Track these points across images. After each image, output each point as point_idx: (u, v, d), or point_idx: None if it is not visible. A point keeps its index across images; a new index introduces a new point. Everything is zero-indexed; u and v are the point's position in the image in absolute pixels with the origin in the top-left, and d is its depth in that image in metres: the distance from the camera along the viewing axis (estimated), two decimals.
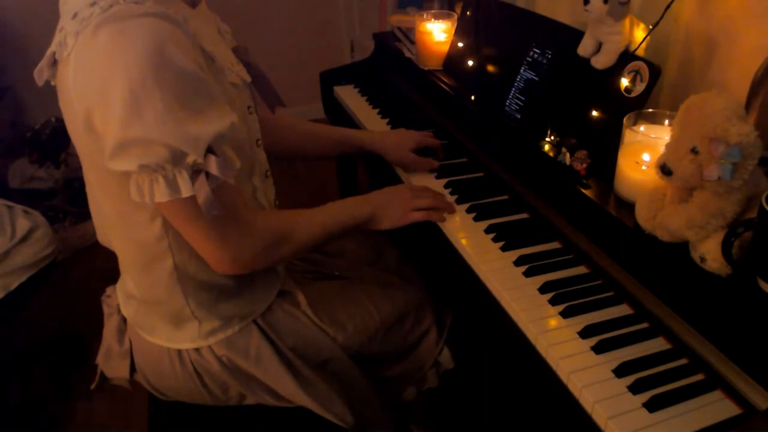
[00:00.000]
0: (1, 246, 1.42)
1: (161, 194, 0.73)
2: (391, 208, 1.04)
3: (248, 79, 0.91)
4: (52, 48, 0.77)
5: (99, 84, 0.70)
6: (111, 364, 1.05)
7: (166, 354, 0.96)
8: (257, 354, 0.96)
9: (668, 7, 0.96)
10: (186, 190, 0.73)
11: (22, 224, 1.49)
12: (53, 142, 2.57)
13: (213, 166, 0.74)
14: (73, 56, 0.72)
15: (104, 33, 0.69)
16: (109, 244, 0.97)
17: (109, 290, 1.08)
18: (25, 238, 1.47)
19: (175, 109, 0.70)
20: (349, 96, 1.66)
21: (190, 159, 0.72)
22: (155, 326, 0.96)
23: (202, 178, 0.74)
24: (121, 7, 0.70)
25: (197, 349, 0.95)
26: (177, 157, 0.71)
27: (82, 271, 2.24)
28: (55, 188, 2.53)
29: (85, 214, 2.45)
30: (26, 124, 2.74)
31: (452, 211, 1.08)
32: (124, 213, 0.85)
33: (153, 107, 0.69)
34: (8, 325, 1.58)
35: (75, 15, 0.72)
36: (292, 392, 0.98)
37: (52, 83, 0.83)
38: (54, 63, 0.79)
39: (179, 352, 0.96)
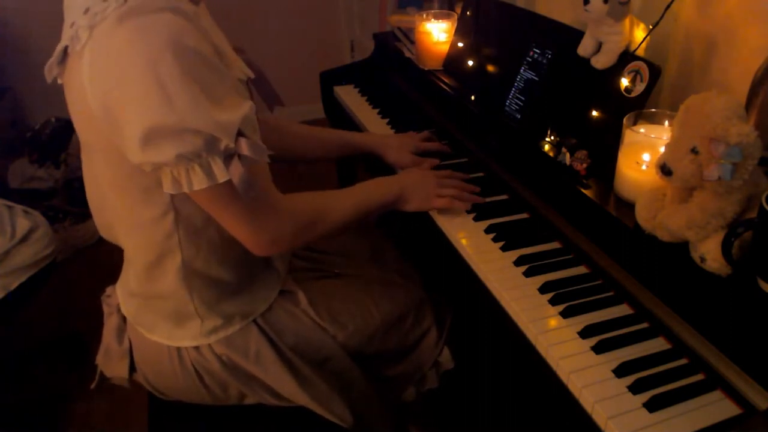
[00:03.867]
0: (1, 246, 1.42)
1: (199, 182, 0.74)
2: (417, 190, 1.07)
3: (251, 75, 0.91)
4: (64, 42, 0.77)
5: (120, 76, 0.71)
6: (110, 363, 1.05)
7: (165, 352, 0.96)
8: (257, 353, 0.97)
9: (668, 7, 0.96)
10: (222, 175, 0.74)
11: (22, 224, 1.49)
12: (53, 142, 2.57)
13: (245, 147, 0.76)
14: (87, 49, 0.73)
15: (124, 27, 0.70)
16: (114, 239, 0.98)
17: (109, 290, 1.08)
18: (25, 238, 1.47)
19: (203, 97, 0.72)
20: (349, 96, 1.66)
21: (222, 144, 0.74)
22: (156, 324, 0.96)
23: (236, 161, 0.76)
24: (137, 1, 0.71)
25: (197, 348, 0.95)
26: (211, 144, 0.73)
27: (82, 271, 2.24)
28: (55, 188, 2.53)
29: (85, 214, 2.45)
30: (26, 124, 2.74)
31: (477, 201, 1.09)
32: (134, 209, 0.85)
33: (183, 96, 0.70)
34: (8, 325, 1.58)
35: (87, 10, 0.73)
36: (291, 391, 0.98)
37: (59, 81, 0.83)
38: (63, 59, 0.80)
39: (179, 350, 0.96)
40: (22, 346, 1.90)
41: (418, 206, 1.07)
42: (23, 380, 1.81)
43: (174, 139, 0.71)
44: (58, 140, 2.57)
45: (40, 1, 2.61)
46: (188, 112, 0.71)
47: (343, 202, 0.99)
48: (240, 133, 0.76)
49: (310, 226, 0.92)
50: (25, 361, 1.86)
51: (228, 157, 0.75)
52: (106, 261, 2.23)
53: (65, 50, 0.78)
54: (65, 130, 2.60)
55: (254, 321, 0.98)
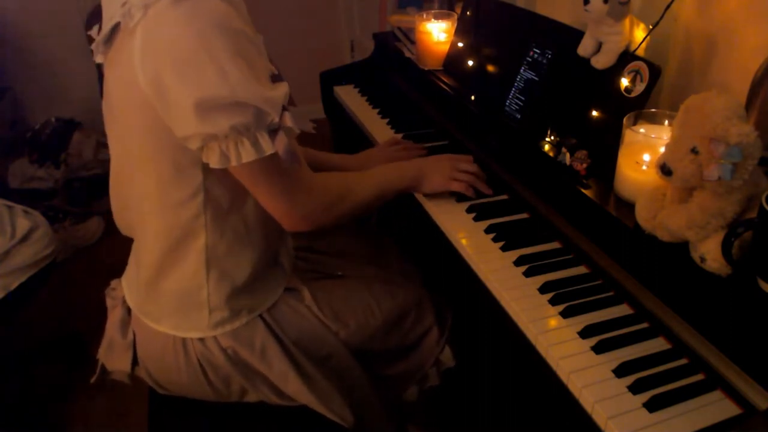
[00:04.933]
0: (1, 246, 1.42)
1: (248, 155, 0.79)
2: (434, 172, 1.12)
3: (275, 71, 0.93)
4: (115, 20, 0.80)
5: (175, 53, 0.75)
6: (113, 356, 1.05)
7: (171, 344, 0.97)
8: (262, 347, 0.97)
9: (668, 7, 0.96)
10: (268, 148, 0.79)
11: (22, 224, 1.49)
12: (53, 142, 2.57)
13: (288, 120, 0.81)
14: (140, 27, 0.76)
15: (179, 9, 0.74)
16: (129, 229, 0.99)
17: (113, 283, 1.08)
18: (25, 238, 1.47)
19: (252, 74, 0.77)
20: (349, 96, 1.66)
21: (269, 118, 0.79)
22: (162, 315, 0.96)
23: (281, 134, 0.81)
24: None
25: (202, 340, 0.96)
26: (259, 118, 0.78)
27: (82, 271, 2.24)
28: (55, 188, 2.53)
29: (85, 214, 2.45)
30: (26, 124, 2.74)
31: (489, 192, 1.13)
32: (165, 190, 0.87)
33: (235, 71, 0.75)
34: (8, 325, 1.58)
35: None
36: (294, 388, 0.99)
37: (99, 60, 0.87)
38: (109, 39, 0.83)
39: (184, 342, 0.96)
40: (22, 346, 1.90)
41: (433, 187, 1.11)
42: (23, 380, 1.81)
43: (228, 111, 0.76)
44: (58, 140, 2.57)
45: (40, 1, 2.61)
46: (241, 86, 0.75)
47: (366, 182, 1.05)
48: (283, 108, 0.80)
49: (337, 203, 0.97)
50: (25, 361, 1.86)
51: (272, 131, 0.80)
52: (107, 261, 2.24)
53: (114, 28, 0.81)
54: (65, 130, 2.60)
55: (260, 316, 0.98)
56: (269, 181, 0.86)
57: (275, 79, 0.95)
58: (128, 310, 1.03)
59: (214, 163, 0.80)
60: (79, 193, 2.53)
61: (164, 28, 0.75)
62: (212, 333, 0.95)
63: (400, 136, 1.38)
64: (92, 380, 1.08)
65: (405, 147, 1.28)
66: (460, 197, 1.12)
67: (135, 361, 1.04)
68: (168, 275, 0.94)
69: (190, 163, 0.83)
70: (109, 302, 1.07)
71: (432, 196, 1.12)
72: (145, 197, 0.91)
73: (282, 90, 0.81)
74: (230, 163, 0.79)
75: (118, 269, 1.05)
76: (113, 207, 1.00)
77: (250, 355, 0.96)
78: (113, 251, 0.95)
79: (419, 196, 1.14)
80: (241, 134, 0.77)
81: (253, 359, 0.97)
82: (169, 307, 0.96)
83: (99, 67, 0.90)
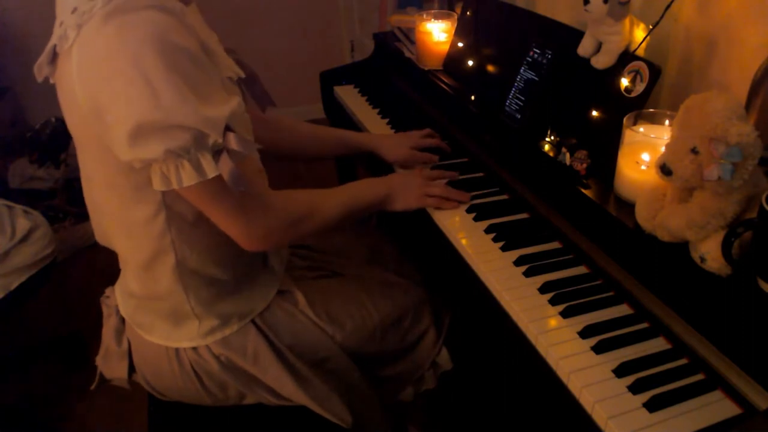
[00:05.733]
0: (1, 246, 1.42)
1: (189, 178, 0.74)
2: (405, 190, 1.08)
3: (242, 74, 0.92)
4: (53, 42, 0.77)
5: (107, 74, 0.71)
6: (110, 364, 1.05)
7: (164, 354, 0.96)
8: (254, 352, 0.97)
9: (668, 7, 0.96)
10: (211, 171, 0.75)
11: (22, 224, 1.49)
12: (53, 142, 2.57)
13: (233, 142, 0.76)
14: (75, 48, 0.73)
15: (110, 25, 0.70)
16: (108, 243, 0.98)
17: (108, 291, 1.08)
18: (25, 238, 1.47)
19: (189, 93, 0.72)
20: (349, 96, 1.66)
21: (211, 140, 0.74)
22: (154, 325, 0.96)
23: (224, 156, 0.76)
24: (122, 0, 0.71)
25: (195, 349, 0.95)
26: (199, 140, 0.73)
27: (82, 271, 2.24)
28: (55, 188, 2.53)
29: (85, 214, 2.44)
30: (26, 124, 2.75)
31: (465, 199, 1.10)
32: (127, 209, 0.85)
33: (169, 92, 0.71)
34: (8, 324, 1.58)
35: (74, 9, 0.73)
36: (290, 391, 0.98)
37: (51, 81, 0.83)
38: (53, 59, 0.80)
39: (177, 351, 0.96)
40: (21, 346, 1.90)
41: (404, 206, 1.08)
42: (23, 380, 1.81)
43: (162, 135, 0.72)
44: (58, 140, 2.57)
45: (40, 1, 2.61)
46: (175, 108, 0.71)
47: (333, 200, 1.00)
48: (228, 128, 0.76)
49: (300, 222, 0.93)
50: (25, 361, 1.86)
51: (217, 152, 0.76)
52: (106, 261, 2.22)
53: (54, 49, 0.78)
54: (65, 130, 2.58)
55: (252, 321, 0.98)
56: (219, 204, 0.81)
57: (247, 82, 0.94)
58: (122, 319, 1.03)
59: (156, 185, 0.76)
60: (79, 193, 2.52)
61: (96, 46, 0.71)
62: (203, 342, 0.95)
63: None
64: (92, 387, 1.08)
65: (423, 160, 1.24)
66: None
67: (132, 368, 1.04)
68: (149, 291, 0.93)
69: (146, 181, 0.79)
70: (104, 310, 1.07)
71: None
72: (112, 218, 0.89)
73: (227, 108, 0.76)
74: (171, 185, 0.75)
75: (117, 270, 1.05)
76: (92, 224, 0.98)
77: (243, 361, 0.96)
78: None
79: None
80: (179, 157, 0.73)
81: (247, 365, 0.97)
82: (158, 319, 0.95)
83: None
